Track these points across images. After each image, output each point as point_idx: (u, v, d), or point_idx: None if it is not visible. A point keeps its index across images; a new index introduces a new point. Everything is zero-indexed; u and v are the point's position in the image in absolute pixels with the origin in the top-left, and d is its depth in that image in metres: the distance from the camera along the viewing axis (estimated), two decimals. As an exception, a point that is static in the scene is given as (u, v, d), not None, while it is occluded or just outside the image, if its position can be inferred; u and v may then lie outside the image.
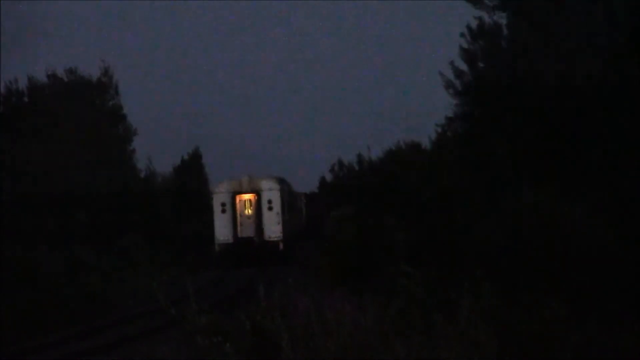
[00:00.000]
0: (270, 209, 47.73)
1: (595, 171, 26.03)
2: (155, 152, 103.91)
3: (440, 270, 16.55)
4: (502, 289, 16.61)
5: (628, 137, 25.59)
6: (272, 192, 48.03)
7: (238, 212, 48.27)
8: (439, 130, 47.93)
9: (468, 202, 29.12)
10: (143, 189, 62.46)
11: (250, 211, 48.27)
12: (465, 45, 35.96)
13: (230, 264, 46.39)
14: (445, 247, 24.93)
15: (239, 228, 48.17)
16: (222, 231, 47.99)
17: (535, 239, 20.54)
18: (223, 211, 47.91)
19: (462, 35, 35.78)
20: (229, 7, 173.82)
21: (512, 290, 17.16)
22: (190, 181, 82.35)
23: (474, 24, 34.92)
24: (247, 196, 48.37)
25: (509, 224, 21.90)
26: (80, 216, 51.13)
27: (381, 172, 62.86)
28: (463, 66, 36.66)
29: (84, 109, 54.80)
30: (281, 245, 47.69)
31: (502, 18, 32.07)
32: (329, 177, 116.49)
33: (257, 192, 48.18)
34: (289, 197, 51.71)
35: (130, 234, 52.86)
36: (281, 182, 50.39)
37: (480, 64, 36.24)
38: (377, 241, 30.27)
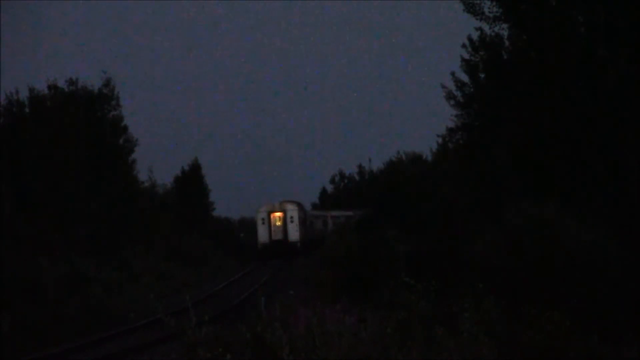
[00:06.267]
0: (292, 221, 71.80)
1: (597, 183, 26.00)
2: (156, 163, 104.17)
3: (442, 282, 16.49)
4: (503, 302, 16.58)
5: (631, 149, 25.57)
6: (293, 211, 72.33)
7: (272, 223, 71.95)
8: (440, 141, 47.98)
9: (469, 214, 29.09)
10: (144, 199, 62.48)
11: (279, 223, 71.98)
12: (466, 56, 35.95)
13: (267, 256, 67.97)
14: (447, 259, 24.89)
15: (272, 234, 71.63)
16: (262, 236, 71.93)
17: (537, 251, 20.50)
18: (263, 223, 72.19)
19: (463, 46, 35.80)
20: (230, 17, 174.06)
21: (514, 302, 17.12)
22: (191, 192, 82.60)
23: (475, 35, 34.92)
24: (277, 214, 72.17)
25: (511, 236, 21.84)
26: (81, 227, 51.01)
27: (382, 183, 62.96)
28: (464, 77, 36.68)
29: (85, 120, 54.67)
30: (299, 245, 70.90)
31: (503, 29, 32.02)
32: (329, 188, 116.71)
33: (284, 211, 72.13)
34: (303, 215, 75.21)
35: (131, 245, 52.85)
36: (299, 205, 75.24)
37: (482, 75, 36.22)
38: (378, 253, 30.24)
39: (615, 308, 18.10)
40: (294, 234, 71.49)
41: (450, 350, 13.68)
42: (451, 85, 36.97)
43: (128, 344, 26.55)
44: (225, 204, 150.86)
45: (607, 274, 19.27)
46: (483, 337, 13.93)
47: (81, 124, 54.51)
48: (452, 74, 36.81)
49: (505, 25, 31.60)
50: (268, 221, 71.77)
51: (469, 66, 36.11)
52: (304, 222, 73.99)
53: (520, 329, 15.74)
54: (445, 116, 37.77)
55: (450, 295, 16.07)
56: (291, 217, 71.64)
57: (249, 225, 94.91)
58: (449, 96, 37.16)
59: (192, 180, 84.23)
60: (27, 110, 54.79)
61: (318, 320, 13.73)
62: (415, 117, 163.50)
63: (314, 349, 13.22)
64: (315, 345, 13.26)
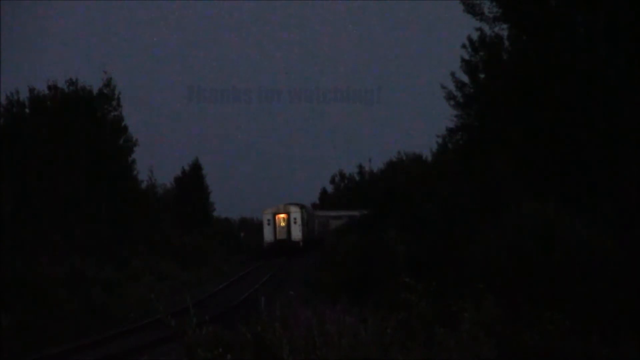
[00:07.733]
0: (295, 222, 77.84)
1: (596, 182, 26.01)
2: (156, 163, 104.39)
3: (442, 282, 16.49)
4: (503, 302, 16.58)
5: (630, 149, 25.58)
6: (296, 213, 78.26)
7: (277, 224, 77.84)
8: (440, 141, 47.98)
9: (469, 214, 29.09)
10: (144, 199, 62.46)
11: (283, 224, 77.90)
12: (466, 57, 35.99)
13: (272, 254, 73.33)
14: (447, 259, 24.89)
15: (277, 234, 77.57)
16: (267, 236, 77.94)
17: (536, 251, 20.50)
18: (268, 224, 78.04)
19: (463, 46, 35.83)
20: (230, 16, 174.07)
21: (514, 302, 17.13)
22: (191, 192, 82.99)
23: (475, 35, 34.96)
24: (282, 215, 78.23)
25: (510, 235, 21.85)
26: (80, 227, 51.00)
27: (382, 183, 63.07)
28: (464, 77, 36.71)
29: (85, 120, 54.58)
30: (301, 244, 77.19)
31: (503, 29, 32.06)
32: (329, 188, 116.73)
33: (288, 213, 78.27)
34: (306, 216, 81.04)
35: (131, 245, 52.86)
36: (302, 207, 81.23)
37: (482, 75, 36.26)
38: (378, 253, 30.25)
39: (615, 308, 18.10)
40: (297, 234, 77.57)
41: (450, 350, 13.68)
42: (451, 86, 37.04)
43: (128, 344, 26.57)
44: (225, 204, 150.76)
45: (607, 274, 19.26)
46: (483, 337, 13.93)
47: (81, 124, 54.45)
48: (452, 74, 36.88)
49: (505, 26, 31.66)
50: (273, 222, 77.73)
51: (468, 66, 36.16)
52: (306, 223, 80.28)
53: (520, 329, 15.75)
54: (445, 116, 37.80)
55: (450, 295, 16.07)
56: (294, 219, 77.82)
57: (249, 226, 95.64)
58: (449, 96, 37.20)
59: (192, 181, 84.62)
60: (27, 110, 54.74)
61: (318, 320, 13.73)
62: (415, 117, 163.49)
63: (314, 349, 13.22)
64: (315, 345, 13.25)
